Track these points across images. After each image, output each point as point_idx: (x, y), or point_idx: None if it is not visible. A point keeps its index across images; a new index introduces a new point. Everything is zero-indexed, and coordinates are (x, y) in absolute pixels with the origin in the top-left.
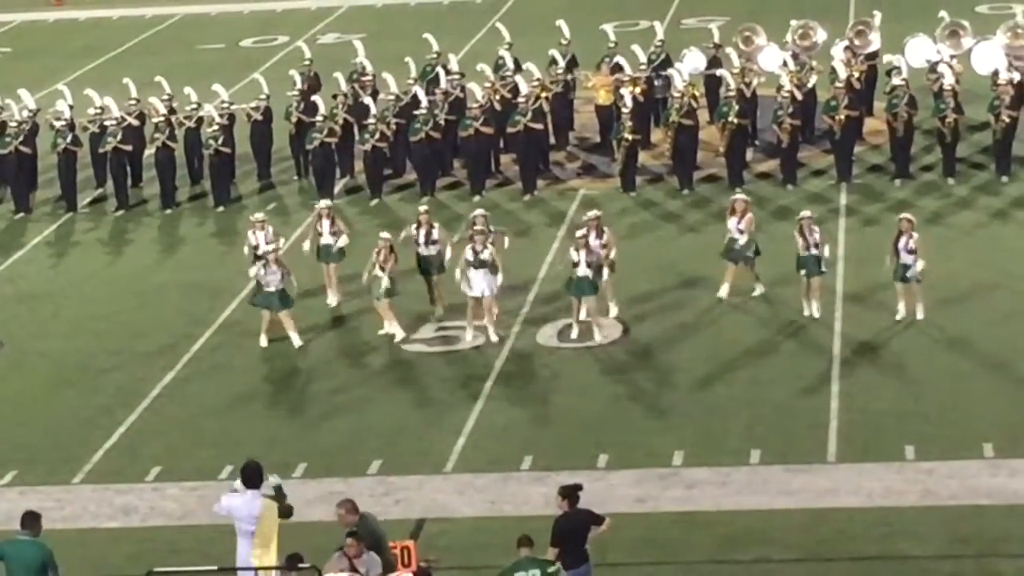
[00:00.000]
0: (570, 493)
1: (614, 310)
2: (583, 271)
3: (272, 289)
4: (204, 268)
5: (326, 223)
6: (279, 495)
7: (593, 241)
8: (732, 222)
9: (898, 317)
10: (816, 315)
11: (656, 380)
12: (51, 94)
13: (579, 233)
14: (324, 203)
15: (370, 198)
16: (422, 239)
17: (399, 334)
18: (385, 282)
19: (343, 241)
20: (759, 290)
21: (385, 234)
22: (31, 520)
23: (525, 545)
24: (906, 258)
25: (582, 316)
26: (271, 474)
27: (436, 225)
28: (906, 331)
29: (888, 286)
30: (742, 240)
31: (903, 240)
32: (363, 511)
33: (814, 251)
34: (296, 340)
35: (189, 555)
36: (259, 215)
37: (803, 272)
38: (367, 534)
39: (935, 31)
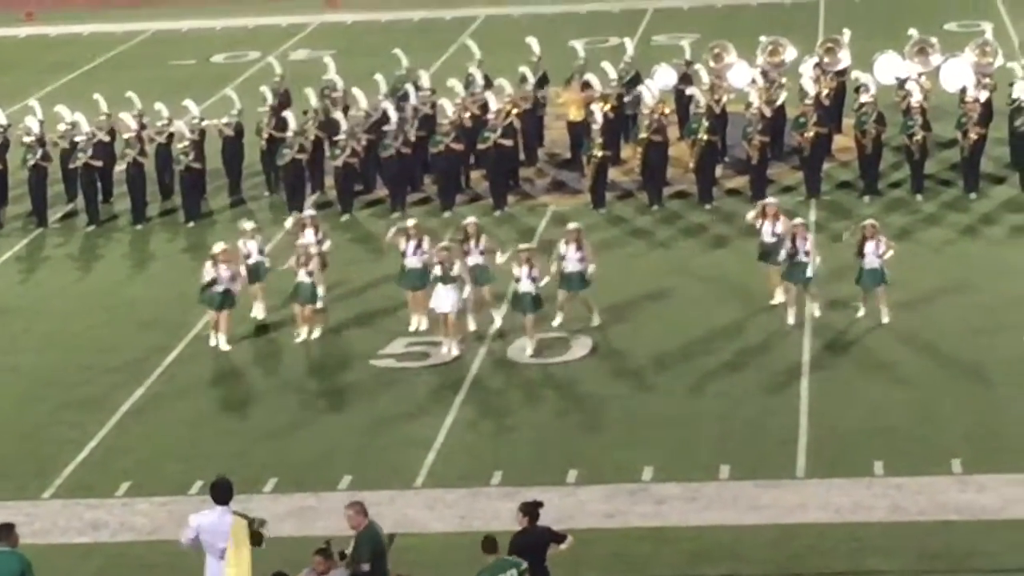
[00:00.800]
0: (530, 510)
1: (597, 319)
2: (525, 287)
3: (220, 289)
4: (175, 283)
5: (310, 231)
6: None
7: (573, 254)
8: (766, 227)
9: (859, 315)
10: (792, 321)
11: (626, 396)
12: (22, 109)
13: (522, 247)
14: (308, 212)
15: (340, 214)
16: (411, 251)
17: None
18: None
19: (327, 246)
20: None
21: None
22: (6, 531)
23: (492, 552)
24: (873, 262)
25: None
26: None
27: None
28: (875, 347)
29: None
30: (778, 243)
31: (870, 245)
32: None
33: (803, 258)
34: (224, 345)
35: (159, 570)
36: (249, 224)
37: (788, 278)
38: (372, 541)
39: (904, 48)
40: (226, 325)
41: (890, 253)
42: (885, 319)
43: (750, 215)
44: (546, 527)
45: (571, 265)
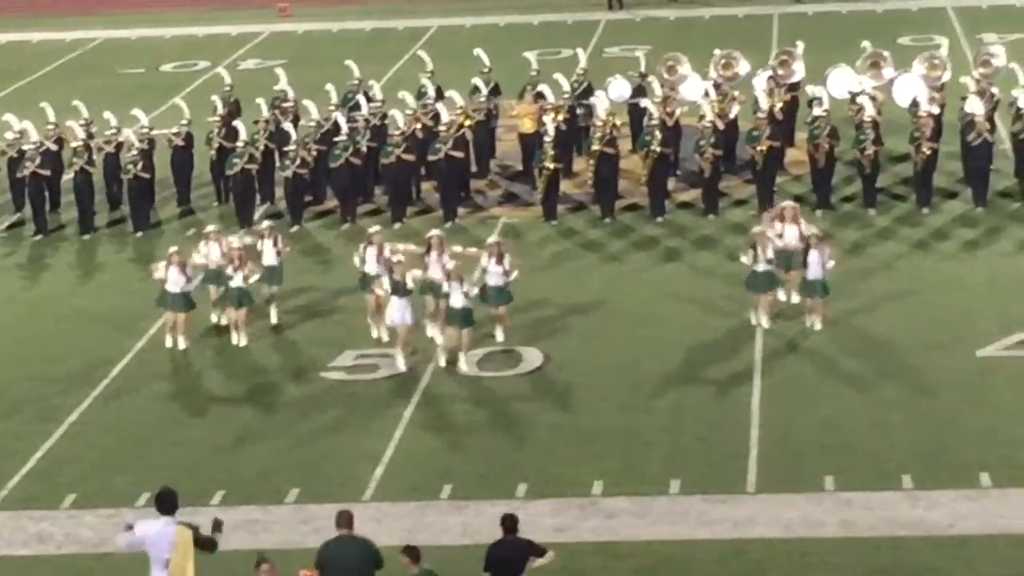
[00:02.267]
0: (507, 522)
1: (501, 336)
2: (494, 280)
3: (171, 289)
4: (123, 293)
5: (268, 243)
6: (215, 529)
7: (494, 267)
8: (789, 230)
9: (808, 325)
10: (766, 326)
11: (576, 409)
12: None
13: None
14: (267, 223)
15: (290, 224)
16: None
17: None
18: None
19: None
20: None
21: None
22: None
23: (415, 560)
24: (816, 272)
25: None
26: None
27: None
28: (827, 362)
29: (807, 316)
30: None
31: (813, 255)
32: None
33: (767, 266)
34: (182, 343)
35: None
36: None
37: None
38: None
39: (856, 62)
40: (184, 327)
41: (831, 264)
42: (817, 326)
43: (766, 217)
44: (527, 540)
45: (493, 279)
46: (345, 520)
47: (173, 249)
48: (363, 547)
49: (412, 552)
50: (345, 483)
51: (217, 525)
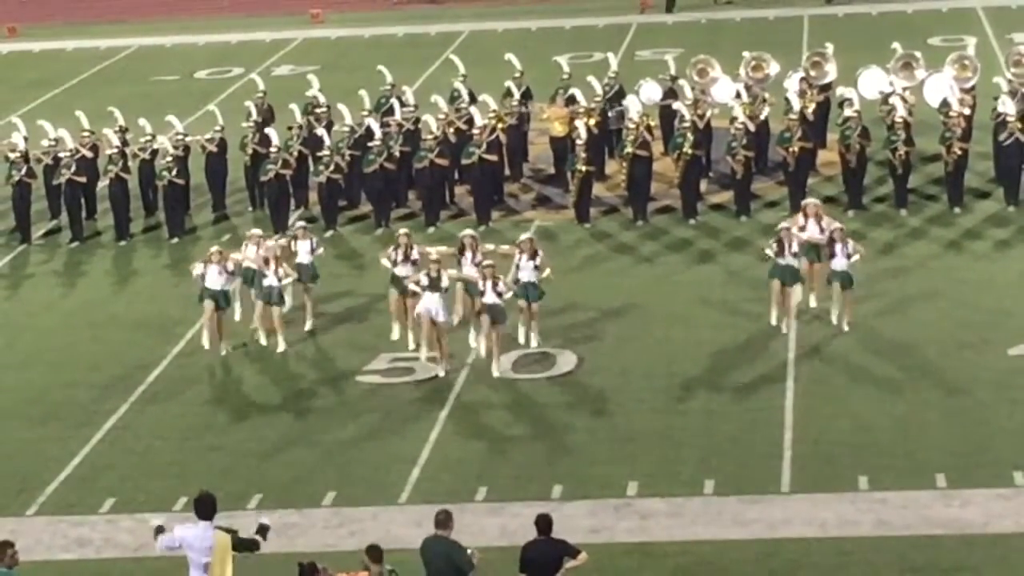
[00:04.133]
0: (539, 522)
1: (534, 341)
2: (526, 275)
3: (217, 288)
4: (158, 300)
5: (303, 243)
6: (260, 532)
7: (526, 263)
8: (811, 225)
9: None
10: (784, 330)
11: (610, 411)
12: (5, 126)
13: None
14: (300, 224)
15: (324, 229)
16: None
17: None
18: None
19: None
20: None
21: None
22: (2, 550)
23: (378, 561)
24: (840, 264)
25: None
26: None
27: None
28: (860, 361)
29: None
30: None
31: (838, 247)
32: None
33: (791, 260)
34: (222, 348)
35: None
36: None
37: (778, 281)
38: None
39: (886, 63)
40: (220, 327)
41: (856, 257)
42: (845, 326)
43: (786, 223)
44: (561, 540)
45: (525, 275)
46: (442, 520)
47: (214, 248)
48: (445, 550)
49: (374, 552)
50: (381, 486)
51: (263, 530)
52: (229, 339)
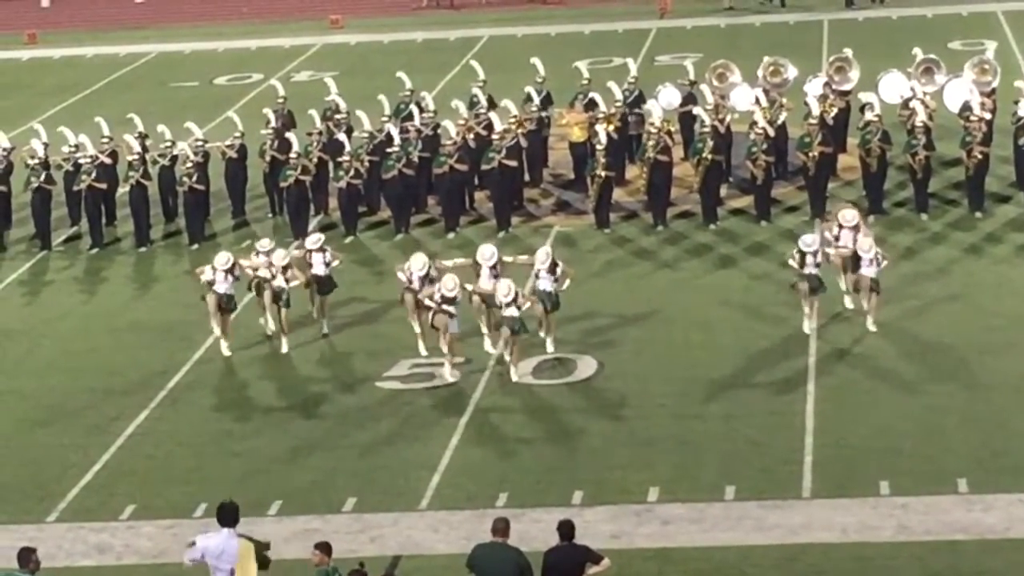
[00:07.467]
0: (561, 528)
1: (551, 346)
2: (544, 284)
3: (223, 291)
4: (179, 305)
5: (318, 256)
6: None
7: (545, 272)
8: (845, 235)
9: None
10: (807, 332)
11: (630, 416)
12: (25, 132)
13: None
14: (314, 237)
15: (344, 235)
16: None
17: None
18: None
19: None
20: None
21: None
22: (25, 556)
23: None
24: (868, 270)
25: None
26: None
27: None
28: (881, 366)
29: (860, 321)
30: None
31: (867, 255)
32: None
33: (814, 270)
34: (226, 350)
35: None
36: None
37: (804, 288)
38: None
39: (907, 67)
40: (226, 327)
41: (885, 263)
42: (872, 327)
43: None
44: (584, 546)
45: (544, 284)
46: (501, 528)
47: (224, 255)
48: (513, 557)
49: (324, 547)
50: (402, 492)
51: (265, 546)
52: (232, 343)
